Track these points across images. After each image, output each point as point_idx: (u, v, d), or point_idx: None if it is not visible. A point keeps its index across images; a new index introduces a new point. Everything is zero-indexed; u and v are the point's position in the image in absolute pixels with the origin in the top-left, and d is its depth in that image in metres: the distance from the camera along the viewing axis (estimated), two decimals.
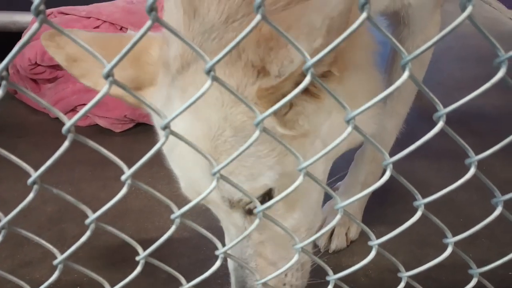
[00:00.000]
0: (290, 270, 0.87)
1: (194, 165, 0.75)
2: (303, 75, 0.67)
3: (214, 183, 0.53)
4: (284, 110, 0.73)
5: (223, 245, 0.63)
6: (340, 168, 1.21)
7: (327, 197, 1.36)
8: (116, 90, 0.85)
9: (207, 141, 0.71)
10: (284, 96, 0.69)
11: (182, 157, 0.77)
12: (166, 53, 0.77)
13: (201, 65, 0.71)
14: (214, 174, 0.53)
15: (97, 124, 1.87)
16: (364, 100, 0.51)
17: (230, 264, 0.90)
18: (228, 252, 0.64)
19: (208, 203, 0.81)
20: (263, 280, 0.69)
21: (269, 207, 0.58)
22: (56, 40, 0.82)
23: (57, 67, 1.85)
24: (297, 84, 0.69)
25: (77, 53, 0.82)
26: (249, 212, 0.79)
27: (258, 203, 0.59)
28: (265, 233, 0.83)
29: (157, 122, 0.85)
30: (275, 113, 0.71)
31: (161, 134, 0.83)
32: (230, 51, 0.44)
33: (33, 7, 0.36)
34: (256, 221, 0.59)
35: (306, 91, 0.71)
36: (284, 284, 0.87)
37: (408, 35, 1.11)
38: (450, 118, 0.51)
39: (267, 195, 0.76)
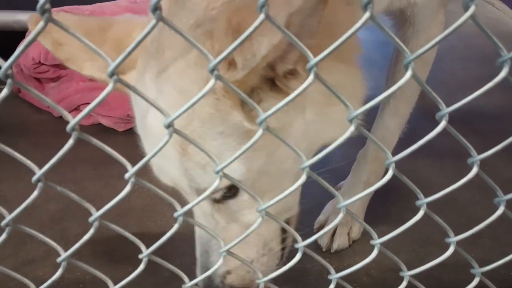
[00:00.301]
0: (256, 255, 0.85)
1: (166, 154, 0.74)
2: (268, 69, 0.66)
3: (217, 182, 0.54)
4: None
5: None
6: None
7: (329, 197, 1.37)
8: (102, 75, 0.83)
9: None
10: (252, 89, 0.70)
11: (156, 146, 0.76)
12: (148, 37, 0.78)
13: (174, 51, 0.71)
14: (217, 172, 0.54)
15: (100, 123, 1.88)
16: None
17: (197, 250, 0.89)
18: (230, 250, 0.65)
19: (180, 189, 0.81)
20: (264, 279, 0.69)
21: (269, 206, 0.58)
22: None
23: (60, 66, 1.85)
24: (263, 78, 0.69)
25: (62, 38, 0.82)
26: (217, 201, 0.79)
27: (260, 202, 0.59)
28: (232, 221, 0.82)
29: (137, 108, 0.84)
30: (242, 107, 0.70)
31: (139, 121, 0.83)
32: (233, 50, 0.44)
33: (38, 6, 0.37)
34: (259, 220, 0.59)
35: (275, 87, 0.71)
36: (249, 272, 0.85)
37: (413, 34, 1.11)
38: (453, 118, 0.51)
39: (233, 187, 0.76)
